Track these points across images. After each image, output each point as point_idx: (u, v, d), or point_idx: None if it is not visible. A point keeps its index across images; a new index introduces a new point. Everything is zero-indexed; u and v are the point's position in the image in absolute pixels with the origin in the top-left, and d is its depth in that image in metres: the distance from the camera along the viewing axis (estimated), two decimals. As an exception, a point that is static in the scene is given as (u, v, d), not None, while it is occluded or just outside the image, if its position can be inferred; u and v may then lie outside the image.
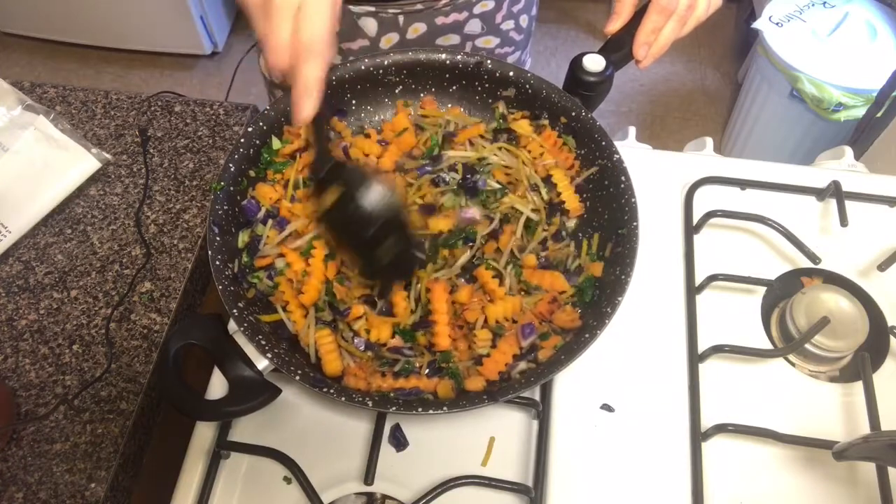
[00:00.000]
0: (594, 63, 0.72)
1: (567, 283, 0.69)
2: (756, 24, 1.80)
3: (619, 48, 0.72)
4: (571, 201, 0.74)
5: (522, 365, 0.65)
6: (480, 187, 0.73)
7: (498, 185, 0.74)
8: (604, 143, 0.73)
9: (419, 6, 0.90)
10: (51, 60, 2.44)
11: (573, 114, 0.74)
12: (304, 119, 0.56)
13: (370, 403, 0.59)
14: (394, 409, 0.59)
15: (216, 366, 0.67)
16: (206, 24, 2.28)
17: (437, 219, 0.71)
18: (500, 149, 0.76)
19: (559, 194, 0.74)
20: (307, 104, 0.55)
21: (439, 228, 0.70)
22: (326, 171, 0.62)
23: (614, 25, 0.73)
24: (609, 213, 0.72)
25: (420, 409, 0.59)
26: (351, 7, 0.90)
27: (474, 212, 0.72)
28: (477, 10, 0.93)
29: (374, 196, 0.63)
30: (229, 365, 0.63)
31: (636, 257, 0.66)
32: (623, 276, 0.65)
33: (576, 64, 0.73)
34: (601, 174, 0.73)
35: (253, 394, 0.63)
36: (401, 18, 0.91)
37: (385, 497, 0.66)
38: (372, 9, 0.90)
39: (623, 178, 0.70)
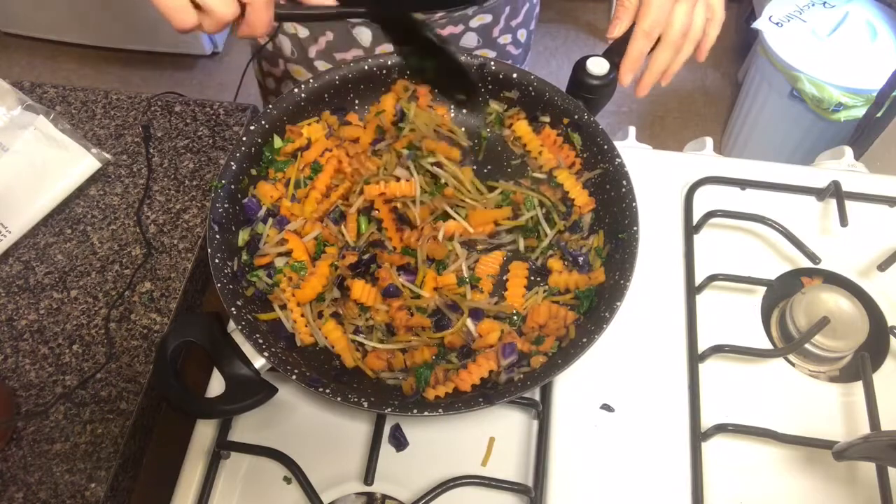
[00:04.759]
0: (598, 66, 0.72)
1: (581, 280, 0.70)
2: (756, 24, 1.80)
3: (623, 52, 0.71)
4: (581, 196, 0.74)
5: (518, 371, 0.65)
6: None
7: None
8: (606, 146, 0.73)
9: None
10: (51, 60, 2.44)
11: (576, 117, 0.74)
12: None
13: (366, 404, 0.59)
14: (389, 409, 0.59)
15: (214, 364, 0.67)
16: (206, 24, 2.28)
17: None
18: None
19: (566, 193, 0.74)
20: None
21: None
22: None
23: (616, 31, 0.71)
24: (610, 216, 0.72)
25: (415, 411, 0.59)
26: None
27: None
28: (473, 23, 0.93)
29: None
30: (226, 363, 0.63)
31: (636, 262, 0.66)
32: (622, 281, 0.65)
33: (579, 67, 0.73)
34: (602, 178, 0.73)
35: (249, 392, 0.63)
36: None
37: (385, 497, 0.66)
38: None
39: (624, 183, 0.70)
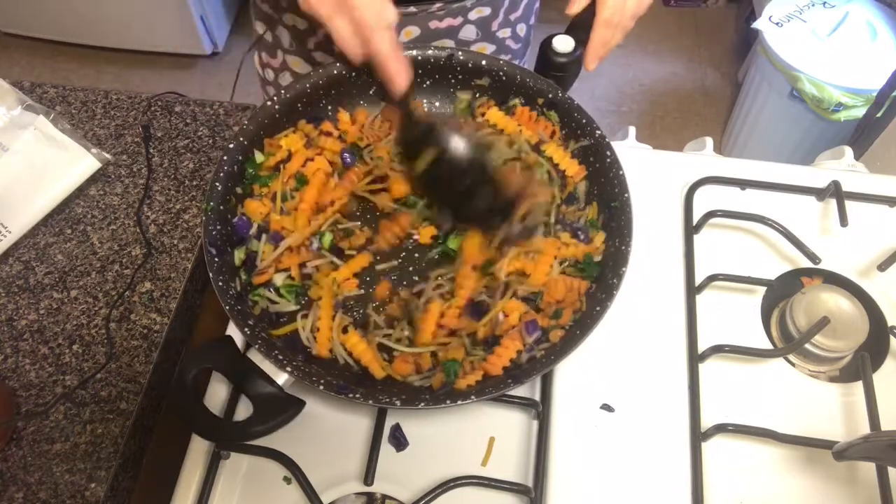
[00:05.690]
0: (563, 44, 0.73)
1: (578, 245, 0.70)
2: (756, 24, 1.80)
3: (586, 28, 0.72)
4: (571, 166, 0.74)
5: (538, 348, 0.65)
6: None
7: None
8: (584, 120, 0.73)
9: (413, 9, 0.90)
10: (51, 60, 2.44)
11: (550, 95, 0.75)
12: (401, 89, 0.65)
13: (398, 403, 0.59)
14: (422, 405, 0.60)
15: (236, 387, 0.68)
16: (206, 24, 2.28)
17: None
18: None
19: (556, 164, 0.75)
20: (398, 76, 0.63)
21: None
22: (417, 134, 0.68)
23: (575, 7, 0.73)
24: (598, 188, 0.73)
25: (448, 402, 0.59)
26: None
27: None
28: (472, 15, 0.93)
29: (465, 152, 0.68)
30: (250, 384, 0.63)
31: (633, 227, 0.67)
32: (623, 247, 0.66)
33: (546, 45, 0.74)
34: (585, 151, 0.74)
35: (278, 410, 0.63)
36: None
37: (385, 497, 0.66)
38: None
39: (608, 153, 0.71)
